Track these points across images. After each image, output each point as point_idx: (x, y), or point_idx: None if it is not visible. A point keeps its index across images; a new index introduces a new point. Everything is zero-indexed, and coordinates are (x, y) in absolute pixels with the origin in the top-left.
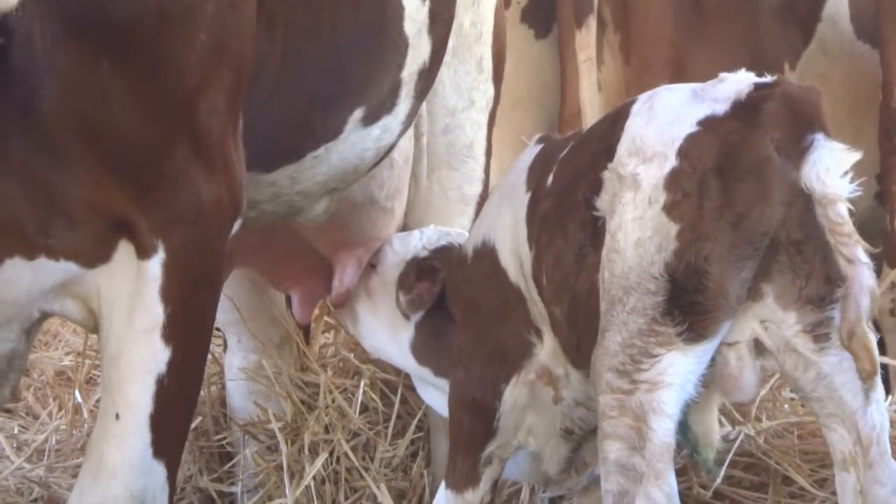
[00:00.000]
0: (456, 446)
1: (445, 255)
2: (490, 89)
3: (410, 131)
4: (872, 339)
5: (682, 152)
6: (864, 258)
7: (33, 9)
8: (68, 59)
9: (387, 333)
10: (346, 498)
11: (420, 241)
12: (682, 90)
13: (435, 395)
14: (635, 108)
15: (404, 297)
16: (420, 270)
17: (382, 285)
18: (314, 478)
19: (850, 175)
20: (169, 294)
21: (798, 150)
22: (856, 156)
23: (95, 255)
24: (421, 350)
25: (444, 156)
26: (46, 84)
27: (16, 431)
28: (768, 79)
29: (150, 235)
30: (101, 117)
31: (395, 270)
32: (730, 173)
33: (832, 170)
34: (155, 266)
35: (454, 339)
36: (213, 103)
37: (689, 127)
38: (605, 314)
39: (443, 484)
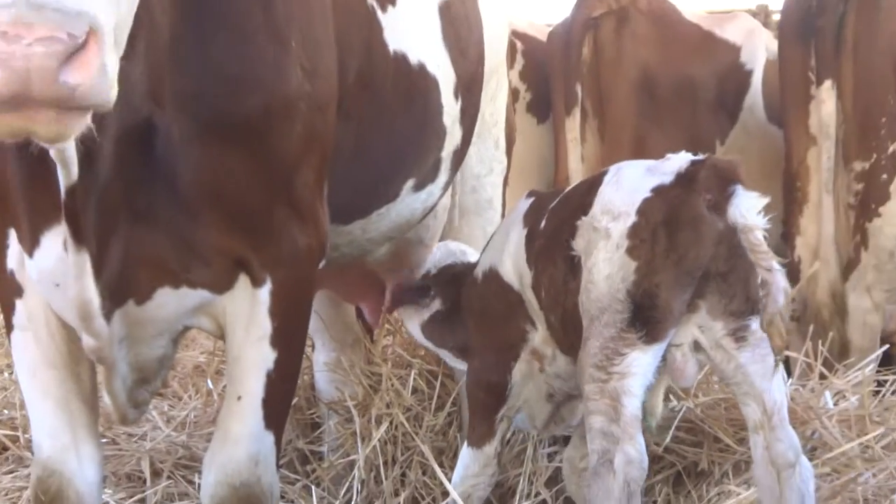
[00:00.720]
0: (475, 414)
1: (446, 272)
2: (504, 160)
3: (448, 191)
4: (783, 327)
5: (640, 211)
6: (778, 266)
7: (172, 111)
8: (200, 147)
9: (413, 321)
10: (402, 455)
11: (433, 260)
12: (640, 166)
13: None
14: (606, 178)
15: (410, 295)
16: (441, 273)
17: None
18: (378, 440)
19: (762, 213)
20: (274, 313)
21: (723, 199)
22: (765, 200)
23: (222, 285)
24: (427, 329)
25: (472, 207)
26: (182, 164)
27: (166, 409)
28: (701, 157)
29: (261, 271)
30: (224, 188)
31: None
32: (674, 226)
33: (749, 208)
34: (264, 293)
35: (455, 325)
36: (305, 178)
37: (645, 193)
38: (587, 327)
39: (465, 443)
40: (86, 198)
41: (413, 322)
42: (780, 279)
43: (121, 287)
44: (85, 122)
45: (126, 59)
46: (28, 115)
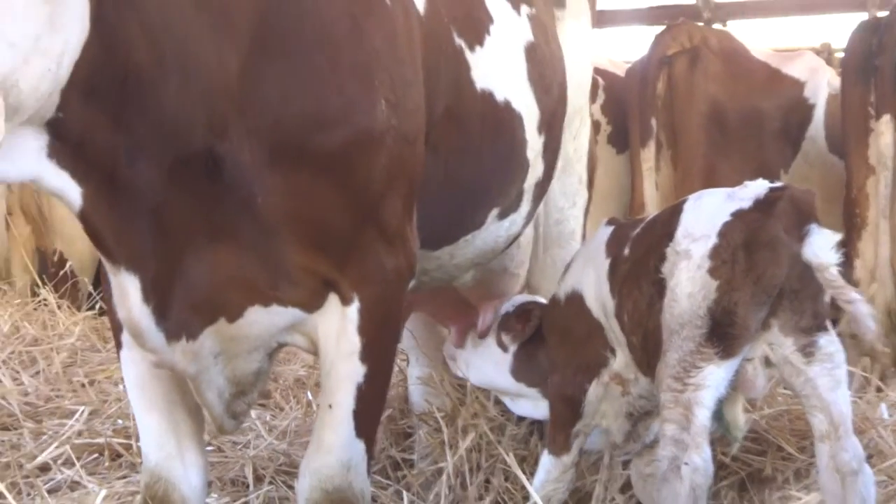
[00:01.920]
0: (555, 425)
1: (531, 305)
2: (585, 194)
3: (531, 225)
4: (838, 360)
5: (721, 234)
6: (858, 296)
7: (244, 142)
8: (280, 176)
9: (490, 366)
10: (486, 462)
11: (508, 307)
12: (720, 193)
13: (523, 403)
14: (687, 205)
15: (506, 335)
16: (517, 315)
17: (485, 342)
18: (465, 449)
19: (835, 249)
20: (364, 330)
21: (799, 235)
22: (838, 236)
23: (313, 303)
24: (518, 371)
25: (556, 239)
26: (260, 192)
27: (268, 419)
28: (779, 184)
29: (350, 290)
30: (307, 214)
31: (493, 330)
32: (752, 247)
33: (824, 247)
34: (353, 311)
35: (542, 358)
36: (392, 205)
37: (725, 217)
38: (667, 340)
39: (545, 451)
40: (116, 224)
41: (489, 366)
42: (863, 308)
43: (210, 306)
44: None
45: (155, 95)
46: None
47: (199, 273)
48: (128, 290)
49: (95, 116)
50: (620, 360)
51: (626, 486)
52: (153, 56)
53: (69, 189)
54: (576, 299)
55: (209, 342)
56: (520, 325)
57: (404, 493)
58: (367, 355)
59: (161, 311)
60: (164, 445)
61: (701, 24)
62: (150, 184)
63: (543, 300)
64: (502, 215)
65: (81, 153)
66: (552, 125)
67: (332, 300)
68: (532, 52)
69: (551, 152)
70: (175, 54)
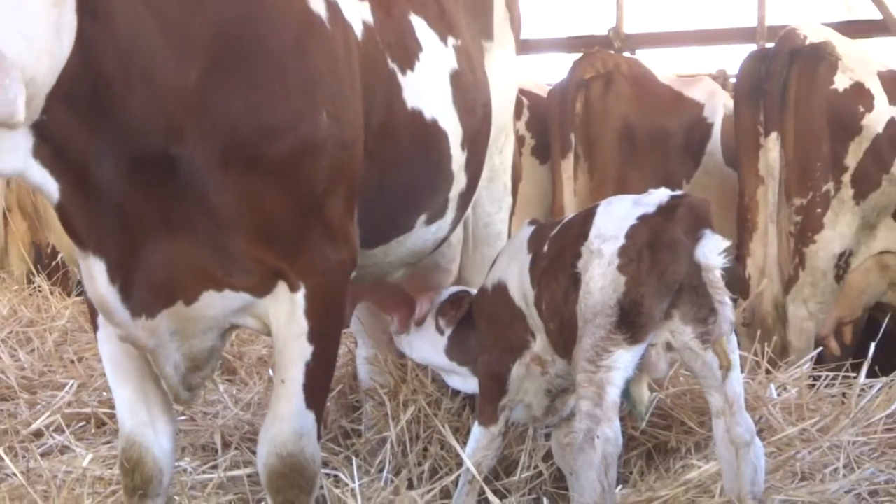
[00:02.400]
0: (483, 400)
1: (462, 294)
2: (510, 200)
3: (461, 225)
4: (729, 347)
5: (628, 235)
6: (727, 300)
7: (200, 145)
8: (232, 176)
9: (428, 347)
10: (424, 432)
11: (443, 296)
12: (628, 199)
13: (457, 379)
14: (599, 209)
15: (442, 319)
16: (450, 303)
17: (424, 326)
18: (405, 421)
19: (724, 253)
20: (310, 314)
21: (695, 237)
22: (727, 242)
23: (262, 289)
24: (452, 351)
25: (484, 239)
26: (213, 190)
27: (234, 392)
28: (679, 192)
29: (297, 279)
30: (259, 210)
31: (431, 316)
32: (656, 247)
33: (713, 251)
34: (300, 297)
35: (473, 340)
36: (334, 203)
37: (632, 220)
38: (582, 328)
39: (476, 423)
40: (86, 215)
41: (427, 346)
42: (727, 312)
43: (169, 290)
44: None
45: (122, 104)
46: None
47: (158, 261)
48: (95, 272)
49: (72, 121)
50: (540, 344)
51: (548, 456)
52: (122, 70)
53: (48, 184)
54: (501, 289)
55: (166, 321)
56: (453, 310)
57: (353, 458)
58: (314, 336)
59: (125, 291)
60: (136, 414)
61: (612, 52)
62: (116, 181)
63: (473, 290)
64: (430, 221)
65: (59, 153)
66: (476, 142)
67: (282, 287)
68: (457, 78)
69: (475, 166)
70: (141, 69)
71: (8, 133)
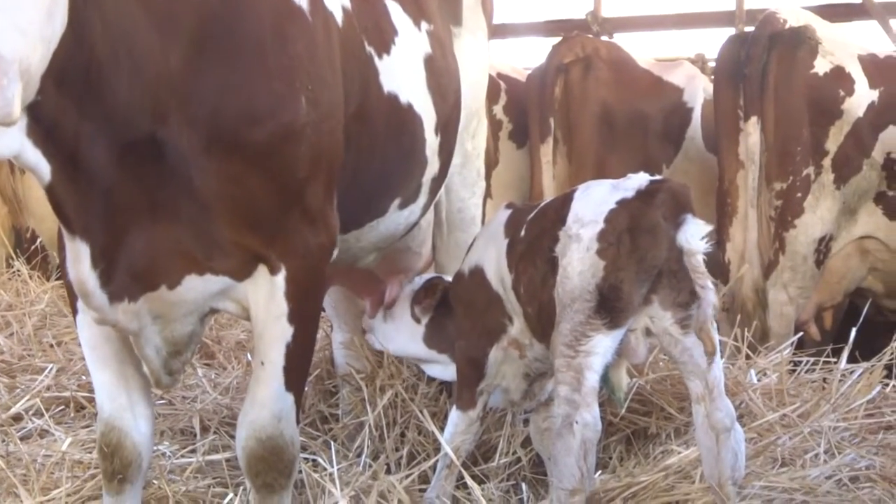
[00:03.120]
0: (461, 384)
1: (436, 280)
2: (483, 184)
3: (431, 209)
4: (713, 331)
5: (607, 220)
6: (710, 285)
7: (184, 129)
8: (215, 161)
9: (405, 337)
10: (401, 417)
11: (417, 283)
12: (606, 184)
13: (435, 367)
14: (577, 194)
15: (418, 307)
16: (425, 290)
17: (398, 314)
18: (382, 406)
19: (706, 238)
20: (290, 295)
21: (676, 222)
22: (709, 227)
23: (243, 272)
24: (430, 339)
25: (458, 224)
26: (196, 174)
27: (213, 377)
28: (659, 177)
29: (277, 262)
30: (240, 195)
31: (405, 303)
32: (635, 232)
33: (695, 235)
34: (280, 279)
35: (451, 326)
36: (314, 188)
37: (611, 205)
38: (560, 312)
39: (454, 407)
40: (75, 198)
41: (403, 335)
42: (710, 296)
43: (153, 274)
44: None
45: (110, 85)
46: None
47: (143, 245)
48: (80, 255)
49: (64, 102)
50: (517, 328)
51: (527, 441)
52: (110, 50)
53: (41, 165)
54: (478, 273)
55: (148, 305)
56: (427, 298)
57: (331, 443)
58: (294, 317)
59: (107, 276)
60: (115, 398)
61: (591, 36)
62: (105, 165)
63: (448, 277)
64: (402, 205)
65: (51, 134)
66: (447, 128)
67: (261, 270)
68: (430, 63)
69: (447, 152)
70: (127, 50)
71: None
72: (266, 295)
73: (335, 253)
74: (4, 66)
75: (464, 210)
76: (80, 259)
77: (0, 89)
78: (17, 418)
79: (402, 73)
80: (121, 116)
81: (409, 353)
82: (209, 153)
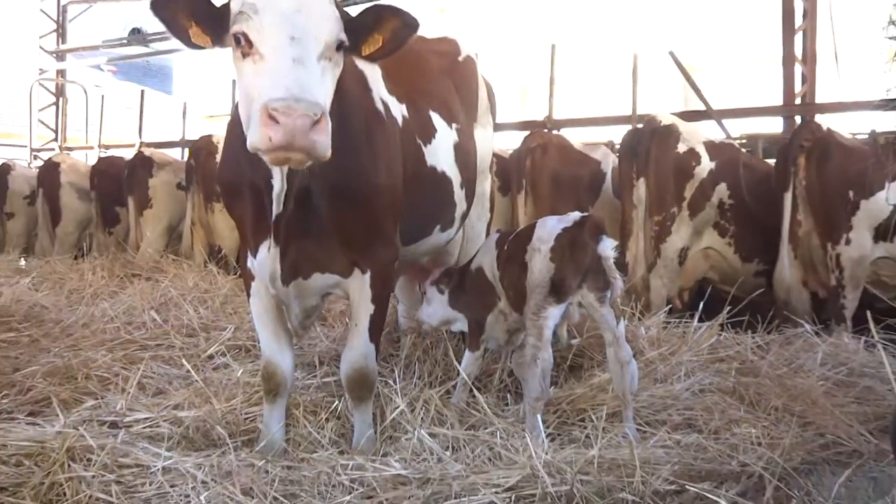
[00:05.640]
0: (471, 336)
1: (450, 270)
2: (488, 216)
3: (459, 232)
4: (618, 305)
5: (556, 239)
6: (618, 277)
7: (319, 183)
8: (334, 204)
9: (439, 307)
10: (437, 355)
11: (436, 275)
12: (555, 218)
13: (459, 324)
14: (538, 224)
15: (441, 284)
16: (443, 274)
17: (432, 298)
18: (424, 348)
19: (614, 249)
20: (372, 286)
21: (596, 240)
22: (615, 242)
23: (347, 272)
24: (453, 303)
25: (472, 239)
26: (325, 212)
27: (326, 332)
28: (587, 213)
29: (365, 266)
30: (348, 225)
31: (433, 289)
32: (574, 246)
33: (607, 248)
34: (367, 277)
35: (463, 298)
36: (388, 222)
37: (559, 230)
38: (529, 296)
39: (467, 349)
40: (282, 222)
41: (438, 307)
42: (618, 283)
43: (296, 270)
44: (308, 162)
45: None
46: (290, 153)
47: (296, 254)
48: (273, 257)
49: None
50: (503, 303)
51: (512, 373)
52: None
53: (281, 196)
54: (480, 271)
55: (294, 288)
56: (445, 278)
57: (395, 370)
58: (375, 299)
59: (283, 269)
60: (271, 345)
61: (546, 130)
62: (291, 201)
63: (458, 266)
64: (442, 230)
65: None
66: (468, 184)
67: (356, 271)
68: (457, 147)
69: (469, 198)
70: None
71: None
72: (359, 286)
73: (398, 261)
74: (327, 120)
75: (475, 229)
76: (273, 259)
77: (326, 136)
78: (210, 357)
79: (439, 154)
80: (306, 171)
81: (444, 317)
82: (332, 199)
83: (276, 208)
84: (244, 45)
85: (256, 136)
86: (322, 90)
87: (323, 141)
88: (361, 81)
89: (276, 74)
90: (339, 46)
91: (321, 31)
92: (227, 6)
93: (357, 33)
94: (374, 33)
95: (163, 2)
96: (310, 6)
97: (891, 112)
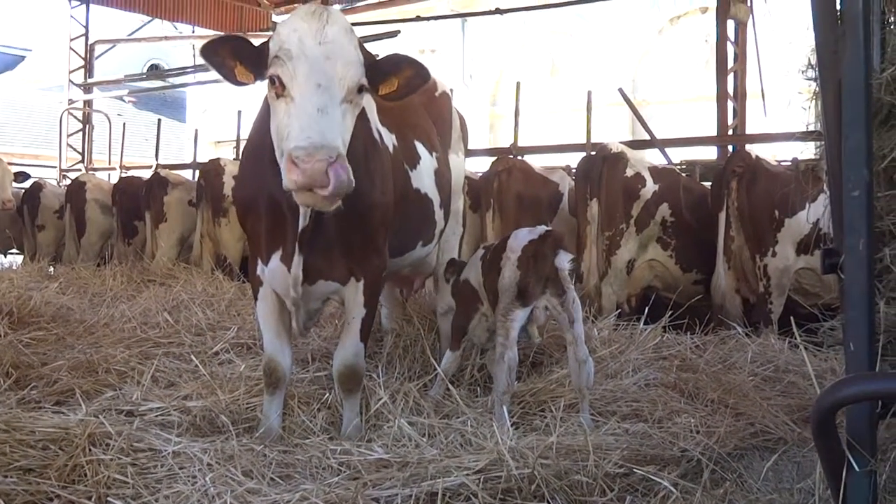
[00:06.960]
0: (453, 336)
1: (456, 262)
2: (461, 230)
3: (437, 246)
4: (577, 308)
5: (523, 250)
6: (571, 286)
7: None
8: (337, 221)
9: (447, 295)
10: (416, 352)
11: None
12: (524, 231)
13: (446, 320)
14: (511, 236)
15: (447, 273)
16: (449, 264)
17: (441, 287)
18: (404, 346)
19: (571, 262)
20: (365, 292)
21: (555, 253)
22: (572, 255)
23: (344, 280)
24: (453, 294)
25: (447, 251)
26: (329, 227)
27: (319, 331)
28: (549, 228)
29: (359, 274)
30: (348, 238)
31: (444, 280)
32: (536, 257)
33: (564, 260)
34: (361, 284)
35: (455, 296)
36: (380, 235)
37: (525, 242)
38: (500, 298)
39: (448, 349)
40: (307, 234)
41: (445, 294)
42: (572, 292)
43: (304, 277)
44: (338, 201)
45: None
46: (314, 195)
47: (305, 261)
48: (295, 263)
49: None
50: (485, 306)
51: (483, 367)
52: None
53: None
54: (467, 281)
55: (302, 293)
56: (451, 268)
57: (378, 366)
58: (366, 304)
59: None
60: (273, 343)
61: (512, 156)
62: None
63: (458, 260)
64: (424, 245)
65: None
66: (447, 204)
67: (352, 279)
68: (437, 172)
69: (445, 216)
70: None
71: None
72: (353, 292)
73: (386, 271)
74: (345, 160)
75: (449, 243)
76: (300, 266)
77: (349, 174)
78: (216, 354)
79: (423, 178)
80: None
81: (451, 304)
82: (337, 215)
83: (302, 222)
84: (278, 87)
85: (285, 179)
86: (341, 132)
87: (341, 174)
88: (362, 113)
89: (301, 122)
90: (361, 89)
91: (345, 78)
92: (266, 45)
93: (376, 75)
94: (391, 77)
95: (212, 48)
96: (337, 54)
97: (810, 142)
